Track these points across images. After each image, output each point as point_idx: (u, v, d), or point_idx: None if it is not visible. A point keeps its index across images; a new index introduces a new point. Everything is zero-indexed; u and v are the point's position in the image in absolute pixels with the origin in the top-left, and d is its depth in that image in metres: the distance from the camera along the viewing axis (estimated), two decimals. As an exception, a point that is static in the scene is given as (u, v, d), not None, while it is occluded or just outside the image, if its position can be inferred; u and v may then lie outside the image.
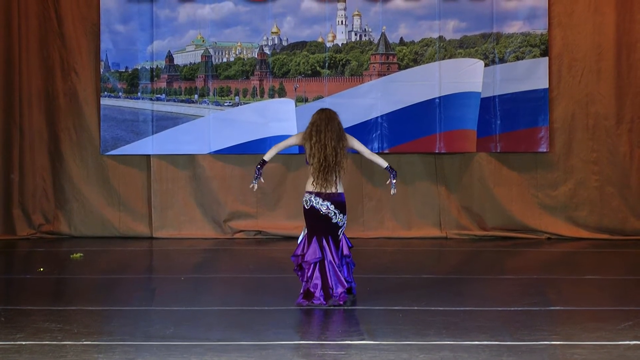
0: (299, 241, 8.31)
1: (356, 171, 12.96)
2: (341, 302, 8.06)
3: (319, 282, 8.10)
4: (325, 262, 8.10)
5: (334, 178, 8.17)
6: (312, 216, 8.17)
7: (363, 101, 12.76)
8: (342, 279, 8.11)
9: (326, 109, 8.45)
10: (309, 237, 8.20)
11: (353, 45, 12.98)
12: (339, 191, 8.20)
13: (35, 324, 7.41)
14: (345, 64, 12.93)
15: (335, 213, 8.16)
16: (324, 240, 8.14)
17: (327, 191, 8.14)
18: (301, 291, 8.18)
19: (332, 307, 8.02)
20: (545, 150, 12.81)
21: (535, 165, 12.92)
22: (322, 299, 8.07)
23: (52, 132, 13.15)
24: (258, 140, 12.88)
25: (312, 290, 8.10)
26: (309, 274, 8.13)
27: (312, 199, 8.15)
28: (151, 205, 13.12)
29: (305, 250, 8.17)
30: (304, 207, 8.21)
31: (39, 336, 6.96)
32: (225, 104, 13.08)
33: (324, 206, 8.14)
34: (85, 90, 13.10)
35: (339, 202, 8.19)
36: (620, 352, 6.44)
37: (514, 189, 12.95)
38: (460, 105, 12.75)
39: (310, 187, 8.20)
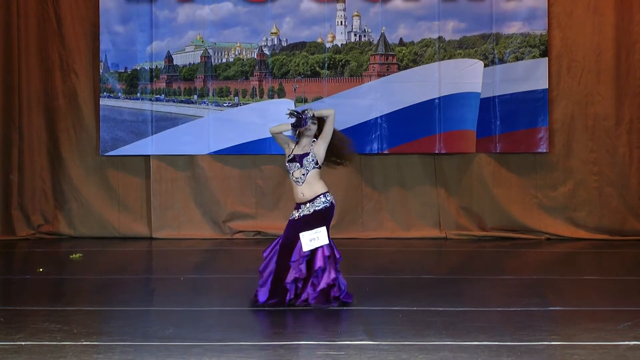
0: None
1: (355, 173, 12.97)
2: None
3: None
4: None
5: None
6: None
7: (362, 102, 12.75)
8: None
9: None
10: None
11: (352, 46, 12.98)
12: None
13: (35, 324, 7.40)
14: (345, 65, 12.93)
15: None
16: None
17: None
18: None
19: (330, 308, 8.02)
20: (544, 150, 12.81)
21: (534, 165, 12.93)
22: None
23: (51, 132, 13.15)
24: (257, 140, 12.88)
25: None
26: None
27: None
28: (150, 205, 13.12)
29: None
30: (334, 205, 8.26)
31: (38, 336, 6.96)
32: (225, 105, 13.08)
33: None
34: (85, 90, 13.10)
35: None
36: (619, 353, 6.44)
37: (514, 190, 12.95)
38: (459, 105, 12.75)
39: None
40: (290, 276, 8.04)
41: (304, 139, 8.26)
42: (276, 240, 8.26)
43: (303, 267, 8.05)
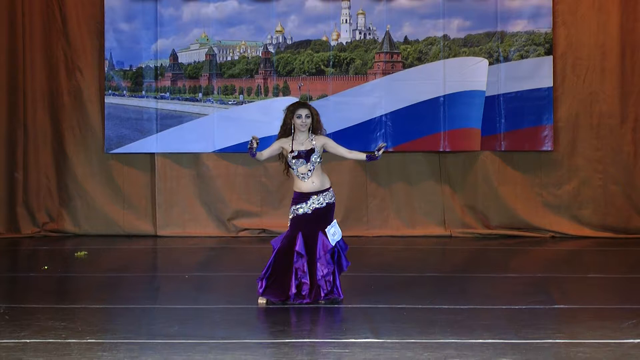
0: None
1: (360, 170, 12.97)
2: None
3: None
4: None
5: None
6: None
7: (367, 100, 12.75)
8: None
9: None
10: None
11: (357, 44, 12.98)
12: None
13: (40, 322, 7.41)
14: (350, 63, 12.93)
15: None
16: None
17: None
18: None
19: (335, 306, 8.02)
20: (549, 148, 12.80)
21: (539, 163, 12.92)
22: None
23: (56, 130, 13.16)
24: (262, 138, 12.65)
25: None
26: None
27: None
28: (155, 203, 13.13)
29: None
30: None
31: (43, 334, 6.96)
32: (230, 103, 13.09)
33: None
34: (90, 88, 13.11)
35: None
36: (624, 351, 6.43)
37: (518, 188, 12.95)
38: (464, 103, 12.75)
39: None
40: (320, 273, 8.02)
41: (299, 134, 8.26)
42: (283, 240, 8.16)
43: (329, 260, 8.05)
